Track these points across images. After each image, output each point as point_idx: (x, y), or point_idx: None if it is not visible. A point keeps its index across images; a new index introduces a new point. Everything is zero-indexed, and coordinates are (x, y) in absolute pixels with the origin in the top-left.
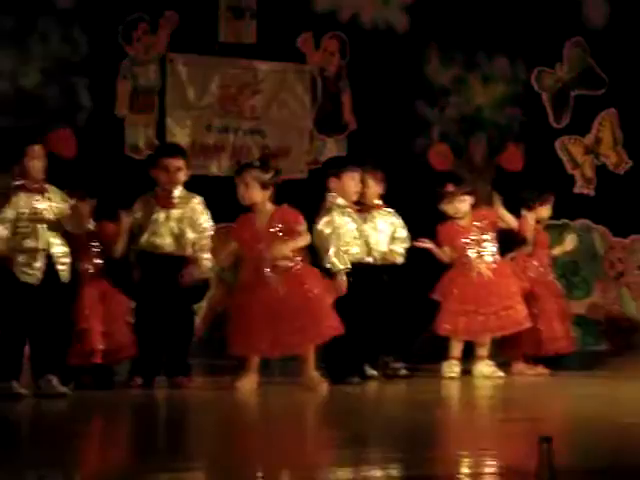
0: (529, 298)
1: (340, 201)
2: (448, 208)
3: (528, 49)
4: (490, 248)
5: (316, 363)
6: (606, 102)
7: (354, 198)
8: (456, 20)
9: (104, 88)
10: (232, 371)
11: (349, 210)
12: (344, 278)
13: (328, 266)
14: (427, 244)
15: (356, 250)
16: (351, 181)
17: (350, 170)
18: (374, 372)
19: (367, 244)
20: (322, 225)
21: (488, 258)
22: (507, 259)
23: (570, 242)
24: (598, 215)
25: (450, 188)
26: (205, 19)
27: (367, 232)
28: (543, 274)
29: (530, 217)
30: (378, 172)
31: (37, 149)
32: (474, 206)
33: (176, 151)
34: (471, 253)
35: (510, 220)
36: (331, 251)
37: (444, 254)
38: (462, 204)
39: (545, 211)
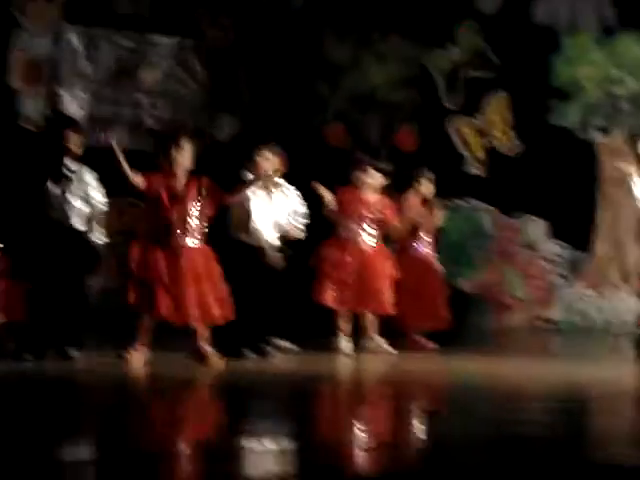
0: (409, 277)
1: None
2: (358, 177)
3: (422, 30)
4: (373, 231)
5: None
6: (497, 85)
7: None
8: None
9: None
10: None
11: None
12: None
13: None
14: (322, 190)
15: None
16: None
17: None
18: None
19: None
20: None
21: (368, 238)
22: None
23: (438, 218)
24: (488, 196)
25: (366, 159)
26: None
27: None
28: (426, 253)
29: (413, 196)
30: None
31: None
32: (383, 192)
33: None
34: (356, 227)
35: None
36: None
37: (331, 204)
38: (371, 179)
39: (426, 188)
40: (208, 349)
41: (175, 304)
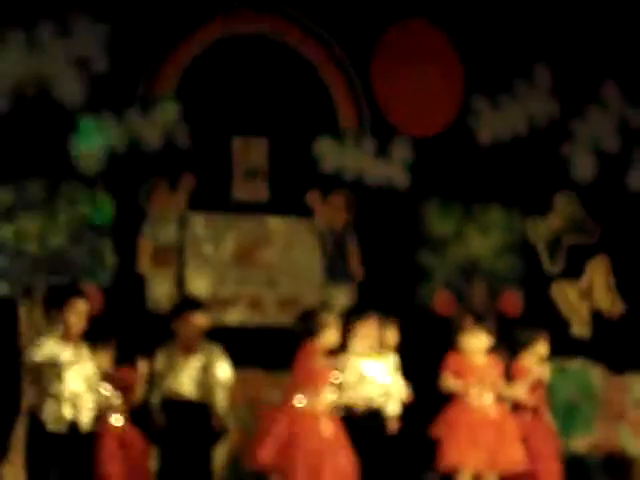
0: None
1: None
2: (462, 340)
3: (522, 200)
4: (492, 390)
5: None
6: (598, 248)
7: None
8: (454, 173)
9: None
10: None
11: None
12: None
13: None
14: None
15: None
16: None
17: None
18: None
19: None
20: None
21: (489, 398)
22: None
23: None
24: (595, 356)
25: (469, 320)
26: (220, 179)
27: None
28: (540, 415)
29: (529, 358)
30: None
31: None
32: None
33: (197, 305)
34: (474, 391)
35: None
36: None
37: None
38: (475, 339)
39: (542, 349)
40: None
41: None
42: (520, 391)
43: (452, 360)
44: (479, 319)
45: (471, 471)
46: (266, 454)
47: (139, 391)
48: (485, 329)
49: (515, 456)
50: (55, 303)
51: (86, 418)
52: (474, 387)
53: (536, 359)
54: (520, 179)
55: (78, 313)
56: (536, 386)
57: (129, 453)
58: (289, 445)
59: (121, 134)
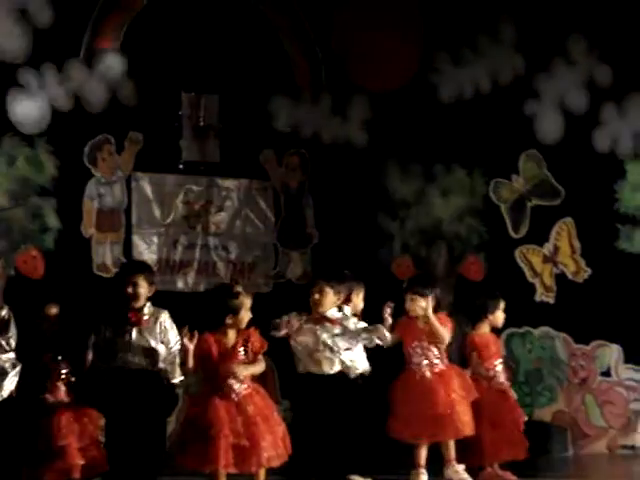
0: (481, 406)
1: None
2: (406, 305)
3: (485, 160)
4: (436, 352)
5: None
6: (562, 212)
7: None
8: (414, 132)
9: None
10: None
11: None
12: None
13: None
14: (387, 314)
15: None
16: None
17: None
18: None
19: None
20: None
21: (435, 361)
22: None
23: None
24: (559, 322)
25: (406, 284)
26: (169, 139)
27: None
28: (497, 382)
29: (484, 326)
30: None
31: None
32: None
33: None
34: (418, 356)
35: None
36: None
37: (392, 337)
38: (411, 303)
39: (499, 315)
40: None
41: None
42: (475, 360)
43: (399, 324)
44: (414, 282)
45: (421, 441)
46: None
47: (89, 360)
48: (424, 294)
49: (461, 421)
50: None
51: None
52: (418, 353)
53: (494, 326)
54: (483, 139)
55: None
56: (493, 354)
57: (81, 424)
58: None
59: (64, 90)
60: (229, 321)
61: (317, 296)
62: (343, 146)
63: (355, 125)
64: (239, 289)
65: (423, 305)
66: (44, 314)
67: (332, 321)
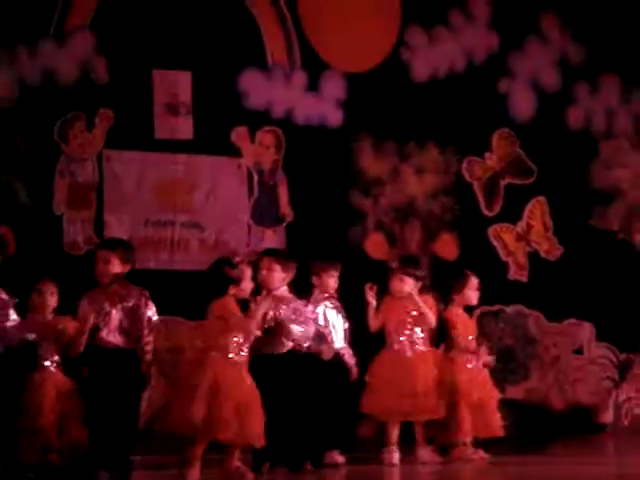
0: (455, 384)
1: None
2: (390, 285)
3: (458, 138)
4: (419, 333)
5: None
6: (536, 190)
7: None
8: (388, 110)
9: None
10: (176, 466)
11: None
12: None
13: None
14: (371, 297)
15: None
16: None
17: None
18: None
19: None
20: None
21: (417, 342)
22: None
23: (484, 353)
24: (532, 300)
25: (394, 264)
26: (141, 116)
27: None
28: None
29: (456, 305)
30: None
31: None
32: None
33: (106, 244)
34: (401, 336)
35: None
36: None
37: (375, 318)
38: (400, 283)
39: (472, 294)
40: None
41: None
42: (457, 340)
43: (383, 305)
44: (405, 263)
45: (394, 419)
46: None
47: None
48: (411, 273)
49: (436, 403)
50: None
51: None
52: (402, 333)
53: (467, 304)
54: (456, 117)
55: None
56: (466, 332)
57: (63, 401)
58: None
59: (34, 67)
60: (232, 292)
61: (265, 272)
62: (317, 124)
63: (329, 103)
64: (238, 259)
65: (412, 286)
66: None
67: (281, 299)
